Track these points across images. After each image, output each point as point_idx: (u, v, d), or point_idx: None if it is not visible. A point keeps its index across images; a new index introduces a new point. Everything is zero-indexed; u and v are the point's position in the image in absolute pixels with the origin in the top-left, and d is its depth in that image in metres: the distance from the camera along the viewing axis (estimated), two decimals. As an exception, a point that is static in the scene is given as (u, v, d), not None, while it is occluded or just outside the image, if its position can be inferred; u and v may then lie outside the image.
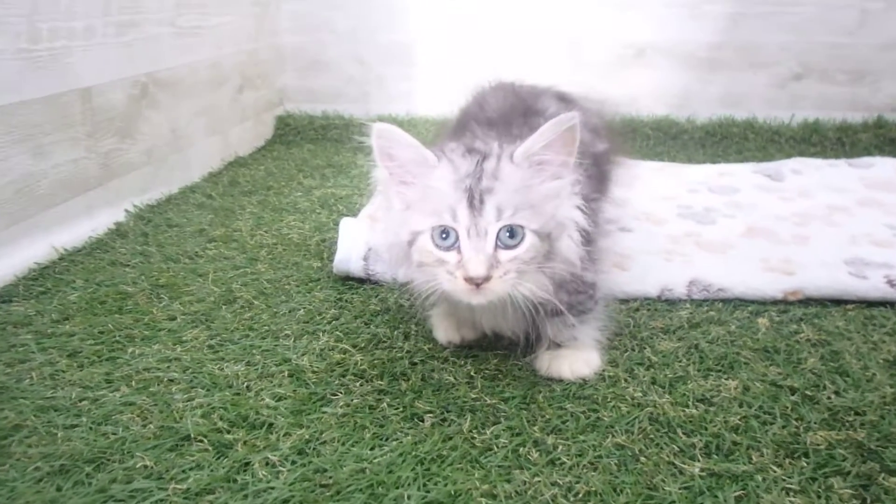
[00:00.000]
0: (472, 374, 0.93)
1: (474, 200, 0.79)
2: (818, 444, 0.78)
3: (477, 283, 0.78)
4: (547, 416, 0.84)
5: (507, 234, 0.80)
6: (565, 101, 1.12)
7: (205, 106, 1.91)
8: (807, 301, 1.13)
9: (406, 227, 0.85)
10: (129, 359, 0.96)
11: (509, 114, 1.01)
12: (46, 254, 1.30)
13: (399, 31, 2.35)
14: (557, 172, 0.83)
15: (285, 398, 0.86)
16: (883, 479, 0.73)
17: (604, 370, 0.93)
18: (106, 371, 0.92)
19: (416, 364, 0.96)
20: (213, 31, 1.93)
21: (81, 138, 1.40)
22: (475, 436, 0.80)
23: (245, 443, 0.78)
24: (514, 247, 0.80)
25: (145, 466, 0.74)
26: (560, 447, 0.78)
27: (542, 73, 2.26)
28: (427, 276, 0.84)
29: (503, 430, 0.81)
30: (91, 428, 0.80)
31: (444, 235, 0.81)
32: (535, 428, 0.81)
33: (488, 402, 0.86)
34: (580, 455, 0.77)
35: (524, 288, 0.82)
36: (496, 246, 0.80)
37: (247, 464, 0.75)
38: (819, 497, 0.71)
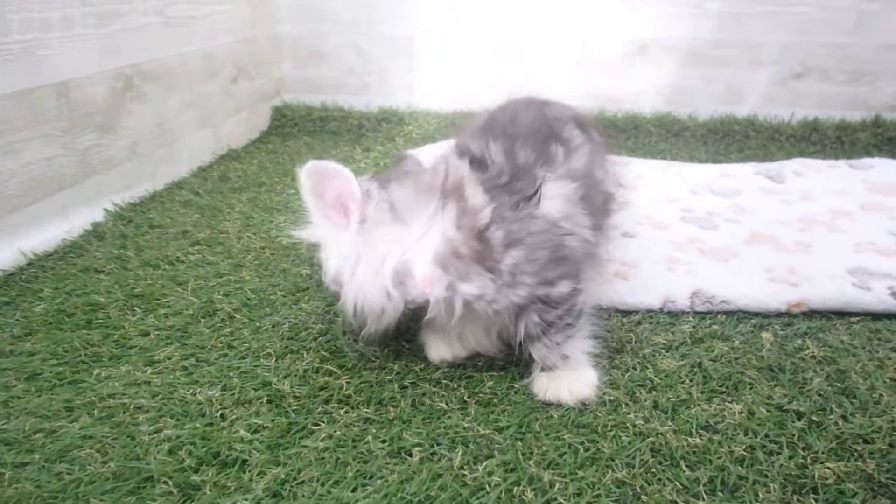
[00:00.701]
0: (465, 398, 0.87)
1: None
2: (826, 478, 0.73)
3: None
4: (544, 448, 0.77)
5: None
6: (583, 129, 1.08)
7: (195, 98, 1.83)
8: (811, 313, 1.08)
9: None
10: (94, 382, 0.89)
11: (534, 136, 0.98)
12: (13, 259, 1.22)
13: (401, 22, 2.29)
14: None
15: (262, 429, 0.80)
16: (897, 517, 0.68)
17: (604, 393, 0.88)
18: (66, 397, 0.85)
19: (406, 387, 0.89)
20: (206, 21, 1.85)
21: (56, 135, 1.33)
22: (466, 473, 0.73)
23: (214, 484, 0.71)
24: None
25: (102, 512, 0.68)
26: (557, 485, 0.72)
27: (545, 68, 2.24)
28: None
29: (496, 465, 0.75)
30: (43, 466, 0.74)
31: None
32: (531, 462, 0.75)
33: (482, 431, 0.80)
34: (578, 495, 0.71)
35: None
36: None
37: (215, 509, 0.68)
38: (833, 541, 0.65)
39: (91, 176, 1.44)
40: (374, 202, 0.85)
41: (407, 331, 1.01)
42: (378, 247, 0.84)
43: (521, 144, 0.94)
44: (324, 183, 0.83)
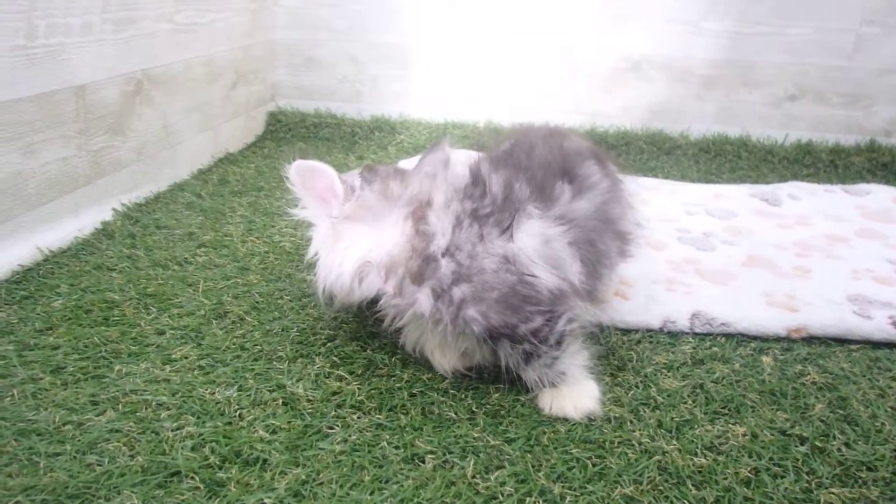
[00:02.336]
0: (473, 409, 0.90)
1: None
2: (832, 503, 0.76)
3: None
4: (552, 462, 0.81)
5: None
6: (602, 164, 1.10)
7: (197, 102, 1.86)
8: (810, 339, 1.11)
9: None
10: (116, 378, 0.92)
11: (542, 170, 0.99)
12: (31, 255, 1.24)
13: (394, 31, 2.32)
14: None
15: (280, 430, 0.83)
16: (895, 541, 0.72)
17: (608, 410, 0.91)
18: (91, 391, 0.88)
19: (415, 395, 0.92)
20: (209, 28, 1.88)
21: (73, 136, 1.35)
22: (479, 481, 0.77)
23: (238, 482, 0.74)
24: None
25: (133, 505, 0.70)
26: (567, 498, 0.75)
27: (537, 82, 2.29)
28: None
29: (508, 475, 0.78)
30: (75, 457, 0.76)
31: None
32: (541, 474, 0.78)
33: (492, 442, 0.84)
34: (587, 506, 0.74)
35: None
36: None
37: (241, 505, 0.71)
38: (835, 564, 0.69)
39: (102, 176, 1.46)
40: (354, 199, 0.93)
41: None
42: (345, 241, 0.93)
43: (523, 178, 0.95)
44: (310, 179, 0.94)
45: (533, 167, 0.98)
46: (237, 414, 0.86)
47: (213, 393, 0.89)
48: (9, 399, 0.86)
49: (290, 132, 2.32)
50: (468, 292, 0.86)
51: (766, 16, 2.11)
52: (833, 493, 0.77)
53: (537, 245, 0.89)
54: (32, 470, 0.74)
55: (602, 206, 1.00)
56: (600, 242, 0.97)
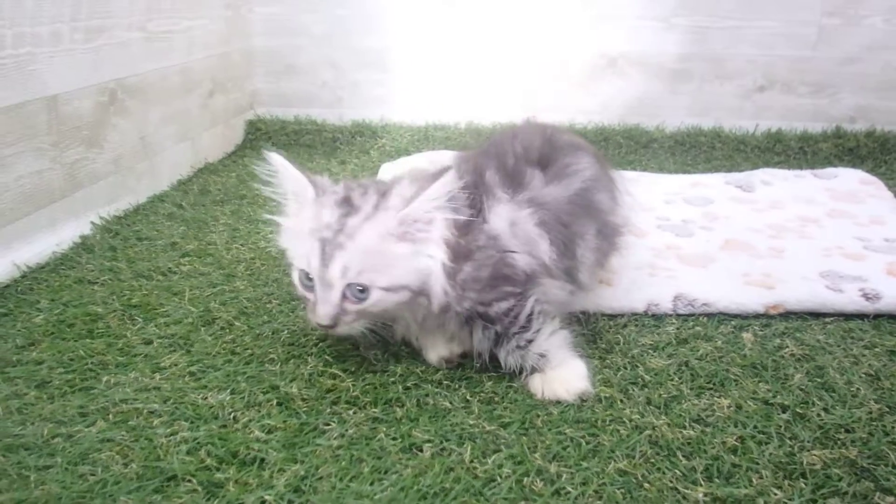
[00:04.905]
0: (467, 397, 0.91)
1: (325, 254, 0.84)
2: (814, 464, 0.79)
3: (324, 328, 0.87)
4: (547, 443, 0.82)
5: (357, 289, 0.85)
6: (597, 160, 1.12)
7: (174, 112, 1.85)
8: (787, 314, 1.15)
9: (289, 252, 0.92)
10: (104, 389, 0.90)
11: (516, 159, 1.01)
12: (8, 272, 1.22)
13: (374, 36, 2.33)
14: (425, 229, 0.87)
15: (276, 430, 0.82)
16: (879, 498, 0.74)
17: (599, 390, 0.92)
18: (80, 403, 0.87)
19: (409, 388, 0.93)
20: (184, 36, 1.87)
21: (46, 148, 1.33)
22: (477, 466, 0.77)
23: (236, 481, 0.73)
24: (362, 301, 0.86)
25: (130, 510, 0.70)
26: (564, 476, 0.76)
27: (517, 82, 2.31)
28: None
29: (505, 458, 0.79)
30: (67, 469, 0.75)
31: (308, 277, 0.87)
32: (537, 455, 0.79)
33: (487, 428, 0.84)
34: (585, 484, 0.75)
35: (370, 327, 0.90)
36: (344, 296, 0.85)
37: (240, 505, 0.71)
38: (821, 519, 0.71)
39: (78, 189, 1.44)
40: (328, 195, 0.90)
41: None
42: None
43: (493, 165, 0.98)
44: (277, 175, 0.93)
45: (507, 156, 1.01)
46: (231, 416, 0.85)
47: (206, 398, 0.89)
48: (-6, 415, 0.85)
49: (270, 140, 2.31)
50: (470, 271, 0.88)
51: (734, 10, 2.17)
52: (815, 454, 0.80)
53: (506, 227, 0.92)
54: (23, 484, 0.73)
55: (582, 192, 1.01)
56: (576, 224, 0.99)
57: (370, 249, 0.85)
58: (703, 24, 2.19)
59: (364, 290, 0.85)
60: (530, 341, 0.92)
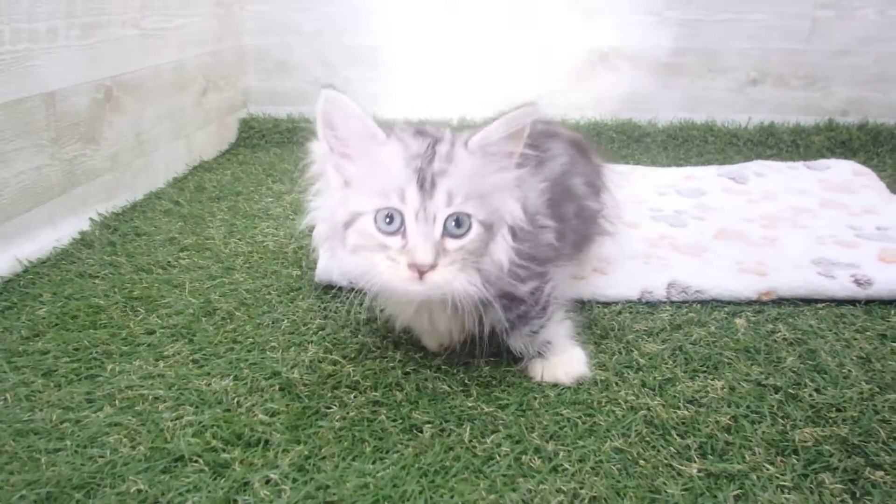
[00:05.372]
0: (466, 381, 0.93)
1: (425, 182, 0.75)
2: (806, 441, 0.81)
3: (421, 272, 0.75)
4: (545, 423, 0.84)
5: (454, 222, 0.77)
6: (579, 149, 1.13)
7: (169, 109, 1.86)
8: (780, 301, 1.17)
9: (344, 207, 0.80)
10: (109, 376, 0.92)
11: None
12: (10, 267, 1.24)
13: (365, 34, 2.34)
14: (506, 165, 0.82)
15: (279, 413, 0.84)
16: (869, 472, 0.76)
17: (594, 374, 0.94)
18: (86, 390, 0.88)
19: (408, 373, 0.95)
20: (177, 33, 1.88)
21: (45, 145, 1.35)
22: (476, 445, 0.79)
23: (242, 461, 0.75)
24: (461, 236, 0.77)
25: (139, 490, 0.71)
26: (561, 454, 0.78)
27: (509, 78, 2.33)
28: (363, 262, 0.79)
29: (503, 438, 0.81)
30: (76, 451, 0.77)
31: (388, 219, 0.76)
32: (535, 435, 0.81)
33: (485, 410, 0.86)
34: (581, 461, 0.77)
35: (459, 282, 0.78)
36: (442, 234, 0.77)
37: (246, 483, 0.72)
38: (812, 493, 0.73)
39: (77, 186, 1.46)
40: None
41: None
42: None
43: None
44: (338, 115, 0.81)
45: None
46: (235, 401, 0.87)
47: (209, 384, 0.90)
48: (2, 402, 0.86)
49: (264, 138, 2.32)
50: (516, 245, 0.84)
51: (727, 3, 2.18)
52: (806, 432, 0.82)
53: (538, 201, 0.90)
54: (34, 466, 0.74)
55: (562, 175, 1.02)
56: (562, 206, 0.98)
57: (472, 173, 0.78)
58: (696, 17, 2.20)
59: (461, 225, 0.77)
60: (543, 327, 0.93)
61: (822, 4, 2.14)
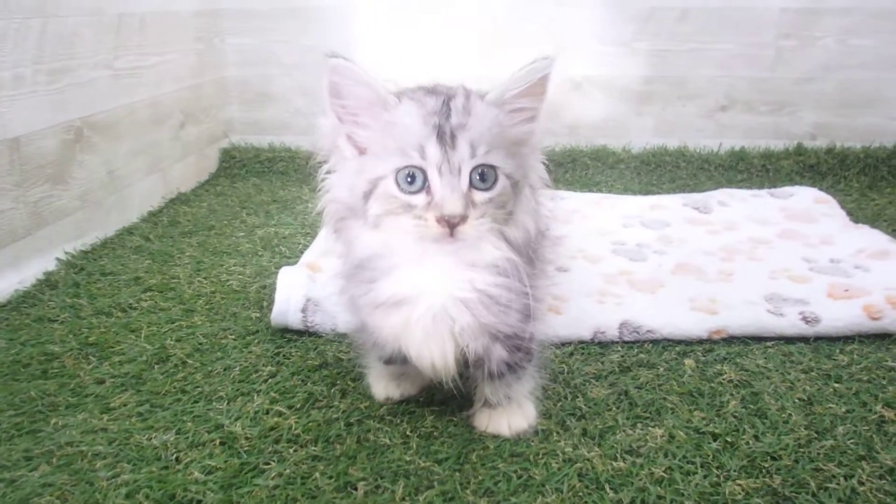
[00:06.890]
0: (407, 433, 0.93)
1: (445, 136, 0.74)
2: (736, 495, 0.80)
3: (452, 225, 0.73)
4: (480, 477, 0.84)
5: (479, 176, 0.75)
6: None
7: (144, 145, 1.88)
8: (730, 339, 1.17)
9: (362, 175, 0.78)
10: (52, 431, 0.93)
11: None
12: (-31, 313, 1.25)
13: (344, 63, 2.37)
14: (528, 120, 0.81)
15: (216, 471, 0.85)
16: (797, 527, 0.76)
17: (538, 423, 0.94)
18: (25, 447, 0.89)
19: (351, 425, 0.95)
20: (153, 70, 1.90)
21: (9, 189, 1.36)
22: (407, 503, 0.80)
23: (170, 524, 0.76)
24: (487, 189, 0.76)
25: (64, 556, 0.72)
26: (491, 511, 0.79)
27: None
28: (386, 236, 0.78)
29: (436, 495, 0.81)
30: (6, 515, 0.78)
31: (409, 179, 0.75)
32: (468, 491, 0.82)
33: (422, 464, 0.87)
34: (511, 518, 0.78)
35: (489, 242, 0.78)
36: (469, 187, 0.75)
37: (172, 547, 0.73)
38: (738, 550, 0.74)
39: (43, 227, 1.47)
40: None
41: (353, 370, 1.07)
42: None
43: None
44: (344, 87, 0.80)
45: None
46: (174, 457, 0.87)
47: (151, 438, 0.91)
48: (-59, 460, 0.87)
49: (245, 168, 2.35)
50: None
51: (694, 34, 2.23)
52: (739, 484, 0.82)
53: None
54: (-36, 531, 0.75)
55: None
56: None
57: (492, 125, 0.77)
58: (664, 47, 2.25)
59: (486, 179, 0.76)
60: (519, 379, 0.91)
61: (784, 34, 2.19)
